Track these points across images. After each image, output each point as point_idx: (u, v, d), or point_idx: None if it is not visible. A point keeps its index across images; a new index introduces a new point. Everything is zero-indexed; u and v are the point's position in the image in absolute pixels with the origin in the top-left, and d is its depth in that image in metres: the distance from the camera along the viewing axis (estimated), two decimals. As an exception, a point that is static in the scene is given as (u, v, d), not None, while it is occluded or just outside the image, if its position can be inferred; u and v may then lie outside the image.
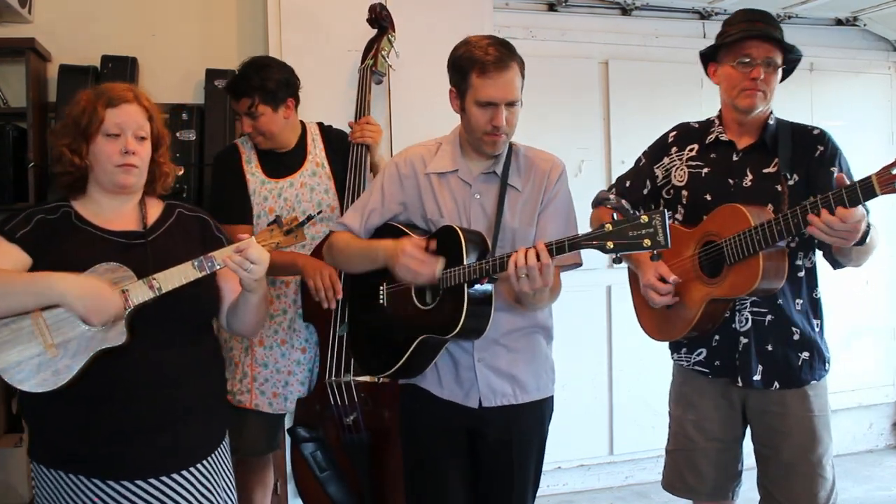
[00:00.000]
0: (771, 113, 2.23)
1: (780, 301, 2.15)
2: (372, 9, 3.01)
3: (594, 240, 1.75)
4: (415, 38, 3.19)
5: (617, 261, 1.78)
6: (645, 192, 2.38)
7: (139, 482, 1.77)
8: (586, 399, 3.93)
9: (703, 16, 4.13)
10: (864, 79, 4.43)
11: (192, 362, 1.86)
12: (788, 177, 2.13)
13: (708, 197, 2.21)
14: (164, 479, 1.79)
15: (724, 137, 2.25)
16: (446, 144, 2.15)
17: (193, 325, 1.90)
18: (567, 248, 1.81)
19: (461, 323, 1.93)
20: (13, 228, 1.78)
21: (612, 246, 1.73)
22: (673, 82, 4.05)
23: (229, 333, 2.45)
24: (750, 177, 2.18)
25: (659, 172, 2.35)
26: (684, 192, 2.28)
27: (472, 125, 2.04)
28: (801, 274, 2.18)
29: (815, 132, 2.19)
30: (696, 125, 2.36)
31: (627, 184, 2.42)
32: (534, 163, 2.14)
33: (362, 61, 2.99)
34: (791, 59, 2.20)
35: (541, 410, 2.17)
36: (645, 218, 1.70)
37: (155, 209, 1.94)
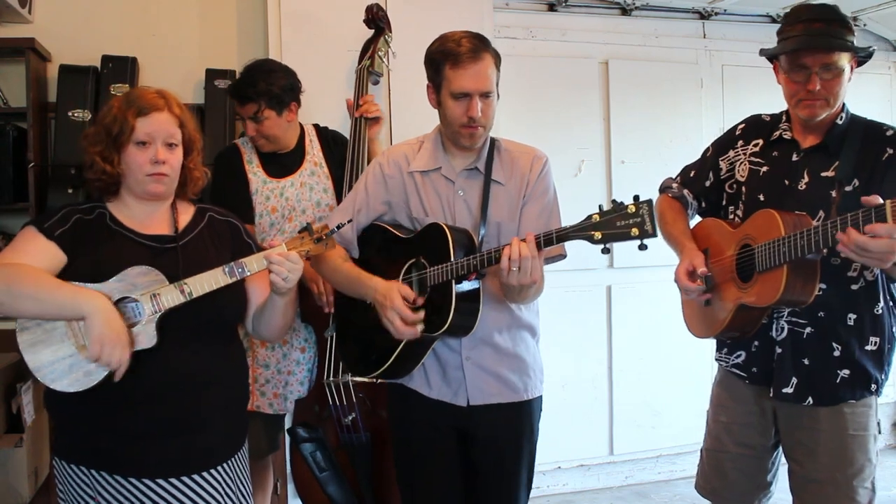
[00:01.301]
0: (842, 109, 2.05)
1: (821, 314, 2.01)
2: (368, 9, 3.01)
3: (582, 230, 1.75)
4: (415, 38, 3.17)
5: (605, 251, 1.75)
6: (707, 183, 2.28)
7: (160, 481, 1.78)
8: (586, 399, 3.92)
9: (703, 16, 4.13)
10: (864, 79, 4.42)
11: (218, 366, 1.87)
12: (845, 182, 1.97)
13: (761, 197, 2.10)
14: (185, 479, 1.80)
15: (787, 136, 2.11)
16: (428, 142, 2.15)
17: (221, 329, 1.91)
18: (555, 239, 1.81)
19: (449, 320, 1.93)
20: (51, 227, 1.79)
21: (599, 236, 1.73)
22: (673, 82, 4.05)
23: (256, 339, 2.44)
24: (806, 179, 2.04)
25: (724, 165, 2.25)
26: (744, 189, 2.17)
27: (448, 118, 2.04)
28: (857, 287, 2.01)
29: (889, 133, 2.01)
30: (767, 118, 2.21)
31: (692, 174, 2.33)
32: (515, 156, 2.13)
33: (359, 62, 2.99)
34: (861, 52, 2.01)
35: (530, 410, 2.16)
36: (632, 208, 1.70)
37: (186, 213, 1.95)
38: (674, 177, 2.39)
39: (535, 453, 2.19)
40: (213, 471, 1.84)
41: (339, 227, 1.95)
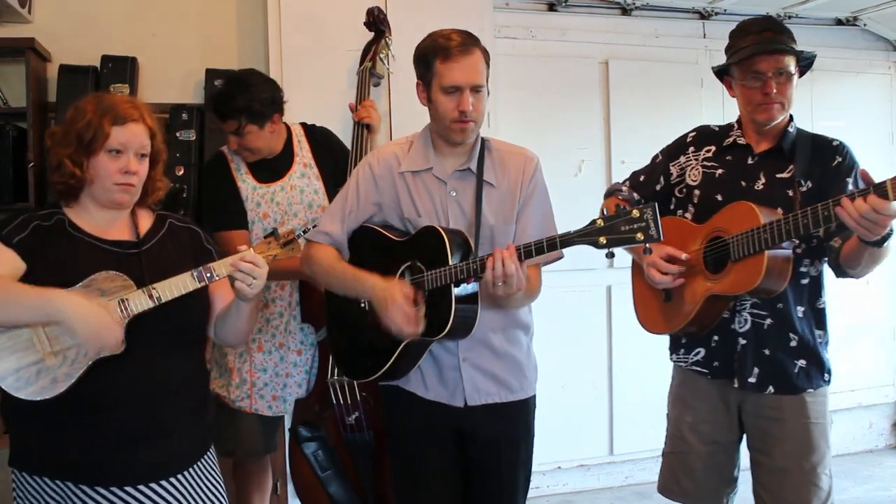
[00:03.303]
0: (791, 120, 2.20)
1: (780, 305, 2.12)
2: (369, 12, 3.02)
3: (586, 236, 1.75)
4: (415, 38, 3.16)
5: (610, 255, 1.76)
6: (658, 188, 2.36)
7: (128, 488, 1.76)
8: (586, 399, 3.92)
9: (703, 16, 4.13)
10: (865, 79, 4.43)
11: (182, 372, 1.86)
12: (802, 183, 2.11)
13: (719, 197, 2.19)
14: (152, 485, 1.78)
15: (741, 141, 2.23)
16: (417, 142, 2.13)
17: (187, 334, 1.90)
18: (558, 244, 1.81)
19: (450, 324, 1.92)
20: (9, 234, 1.77)
21: (604, 241, 1.73)
22: (673, 82, 4.05)
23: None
24: (763, 180, 2.16)
25: (674, 170, 2.34)
26: (696, 192, 2.26)
27: (439, 114, 2.03)
28: (806, 281, 2.15)
29: (835, 143, 2.16)
30: (717, 128, 2.34)
31: (641, 178, 2.41)
32: (507, 157, 2.13)
33: (360, 63, 3.00)
34: (804, 59, 2.17)
35: (525, 409, 2.16)
36: (636, 212, 1.70)
37: (146, 220, 1.94)
38: (622, 181, 2.47)
39: (532, 452, 2.19)
40: (180, 476, 1.83)
41: (304, 232, 1.95)
